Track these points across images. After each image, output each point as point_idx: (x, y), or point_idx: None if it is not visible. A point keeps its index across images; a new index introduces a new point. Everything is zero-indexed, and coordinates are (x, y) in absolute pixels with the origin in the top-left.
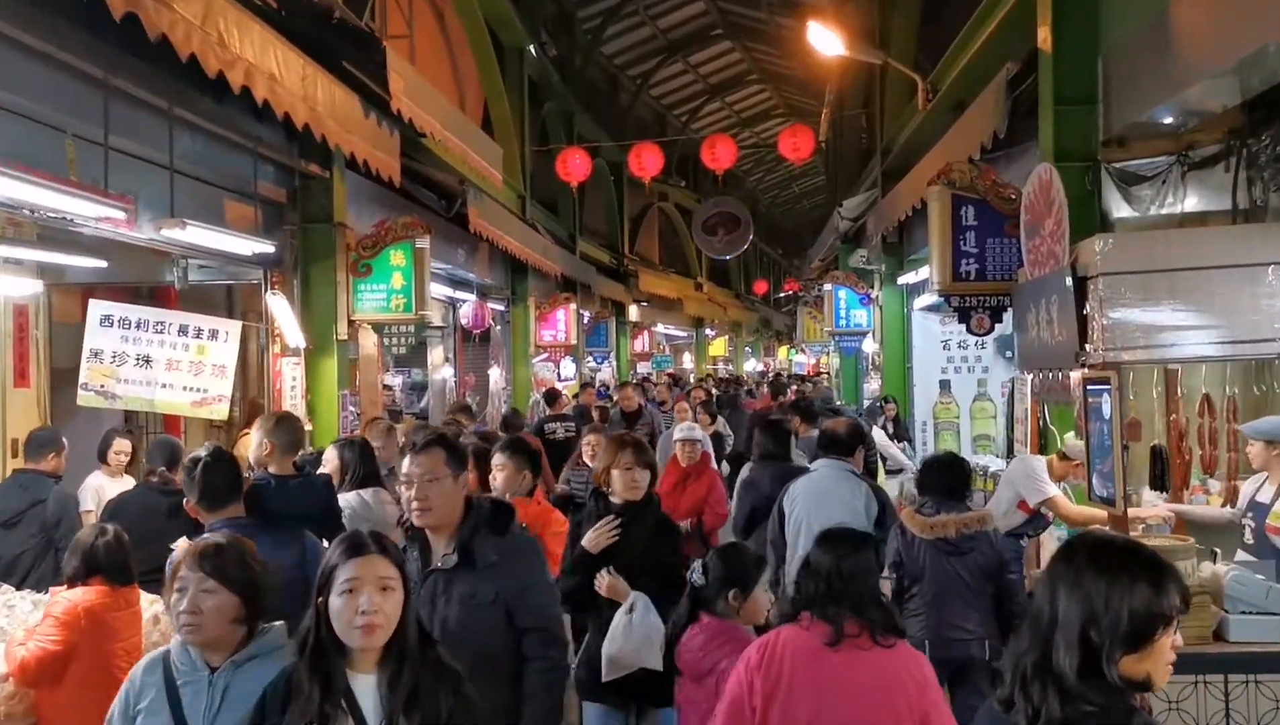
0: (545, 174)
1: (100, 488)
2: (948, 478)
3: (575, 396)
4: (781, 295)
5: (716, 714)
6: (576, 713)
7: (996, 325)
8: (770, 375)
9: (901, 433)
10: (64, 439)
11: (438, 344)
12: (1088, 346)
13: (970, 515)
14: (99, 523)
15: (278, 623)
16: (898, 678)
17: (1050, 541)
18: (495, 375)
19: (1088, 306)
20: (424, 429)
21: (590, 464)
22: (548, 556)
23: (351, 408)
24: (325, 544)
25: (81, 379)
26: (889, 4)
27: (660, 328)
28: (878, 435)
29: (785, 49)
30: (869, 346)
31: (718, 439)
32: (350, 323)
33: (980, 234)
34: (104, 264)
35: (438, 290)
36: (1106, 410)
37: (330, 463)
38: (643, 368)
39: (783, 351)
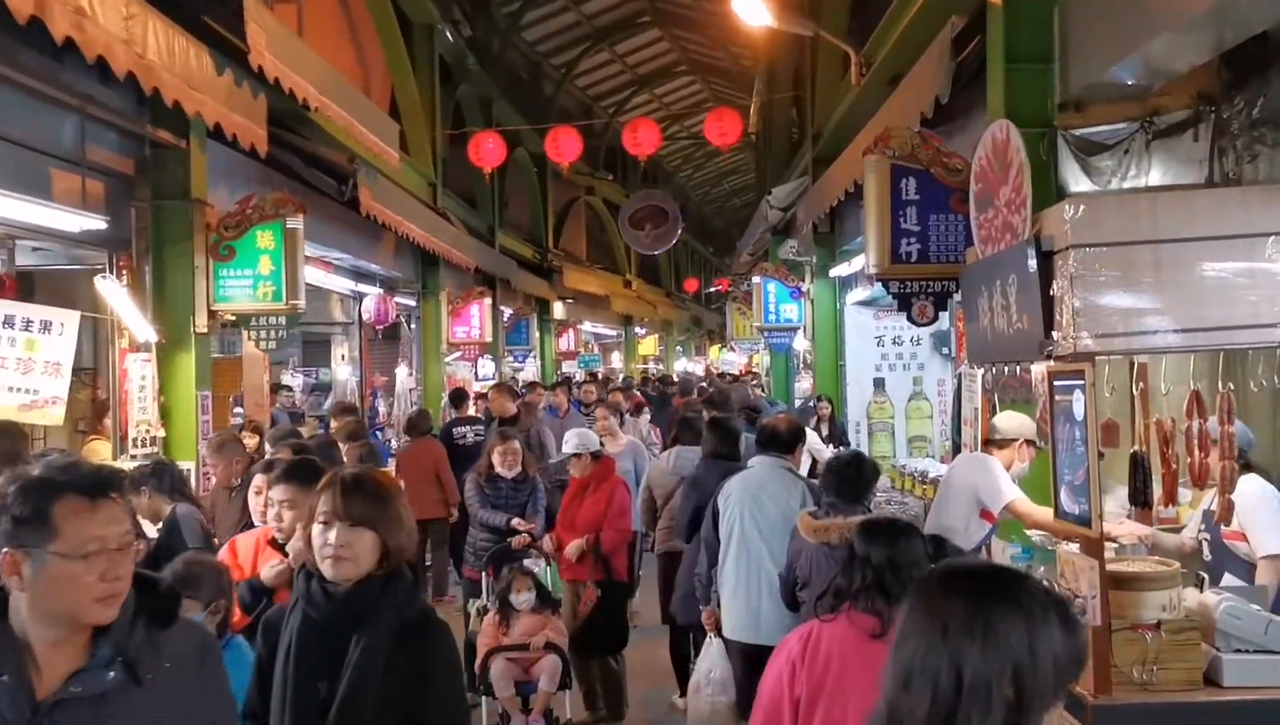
0: (463, 165)
1: None
2: (845, 478)
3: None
4: (712, 290)
5: (757, 704)
6: None
7: (941, 313)
8: (699, 376)
9: (836, 434)
10: None
11: (342, 342)
12: (1055, 334)
13: (857, 520)
14: None
15: None
16: None
17: (1001, 556)
18: (402, 375)
19: (1054, 286)
20: (287, 438)
21: (504, 472)
22: None
23: (238, 412)
24: None
25: None
26: None
27: (587, 326)
28: (809, 437)
29: (714, 37)
30: (800, 343)
31: None
32: (211, 314)
33: (923, 210)
34: None
35: (339, 283)
36: (1079, 410)
37: None
38: (568, 367)
39: (714, 351)
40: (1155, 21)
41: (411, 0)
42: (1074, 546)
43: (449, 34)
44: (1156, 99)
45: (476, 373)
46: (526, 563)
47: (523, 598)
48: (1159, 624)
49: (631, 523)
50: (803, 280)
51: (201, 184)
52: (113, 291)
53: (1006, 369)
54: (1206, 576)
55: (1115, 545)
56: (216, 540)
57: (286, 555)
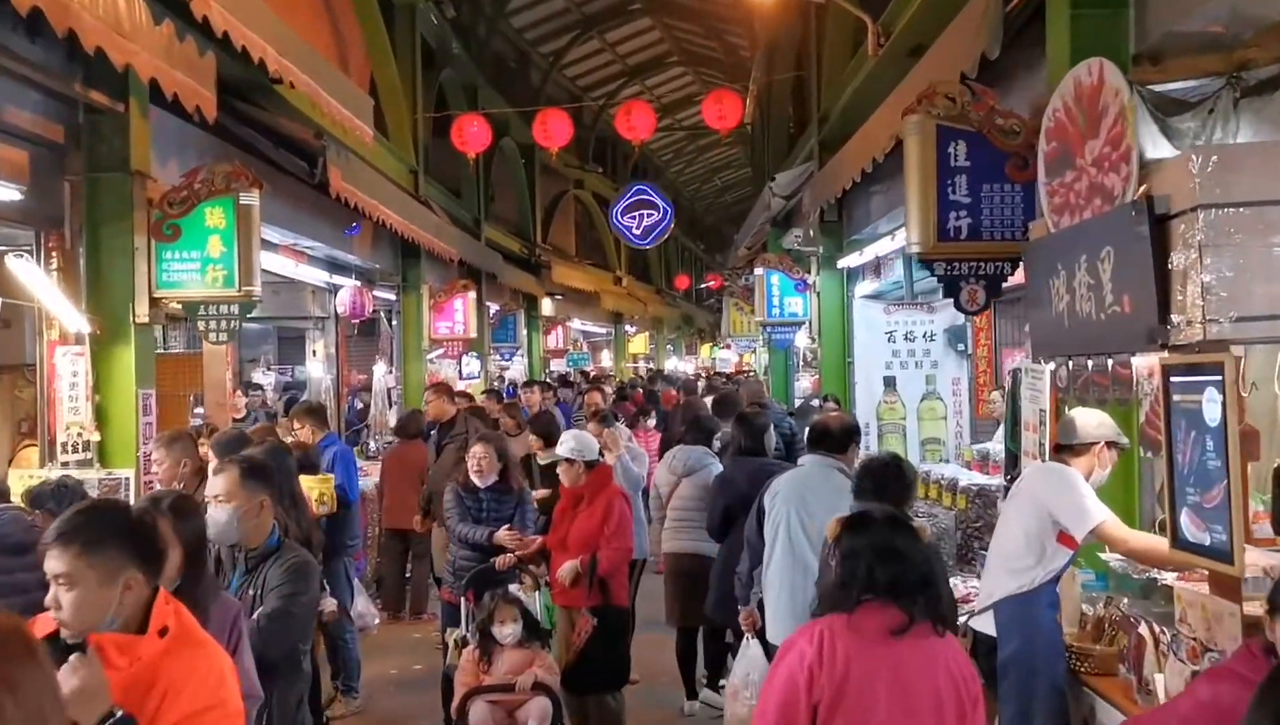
0: (447, 155)
1: None
2: (884, 481)
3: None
4: (704, 286)
5: (764, 710)
6: None
7: (994, 300)
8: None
9: None
10: None
11: (317, 338)
12: (1174, 318)
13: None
14: None
15: None
16: (958, 667)
17: (1071, 585)
18: (380, 372)
19: (1174, 259)
20: (236, 441)
21: (477, 481)
22: None
23: (199, 412)
24: None
25: None
26: None
27: (576, 323)
28: None
29: (708, 26)
30: (801, 340)
31: None
32: (154, 302)
33: (974, 179)
34: None
35: (312, 274)
36: (1212, 413)
37: None
38: (557, 365)
39: (705, 349)
40: None
41: None
42: (1196, 585)
43: (432, 15)
44: (1245, 51)
45: (461, 371)
46: (513, 589)
47: (507, 630)
48: None
49: (633, 540)
50: (808, 272)
51: (143, 154)
52: (30, 274)
53: (1091, 363)
54: None
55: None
56: None
57: None
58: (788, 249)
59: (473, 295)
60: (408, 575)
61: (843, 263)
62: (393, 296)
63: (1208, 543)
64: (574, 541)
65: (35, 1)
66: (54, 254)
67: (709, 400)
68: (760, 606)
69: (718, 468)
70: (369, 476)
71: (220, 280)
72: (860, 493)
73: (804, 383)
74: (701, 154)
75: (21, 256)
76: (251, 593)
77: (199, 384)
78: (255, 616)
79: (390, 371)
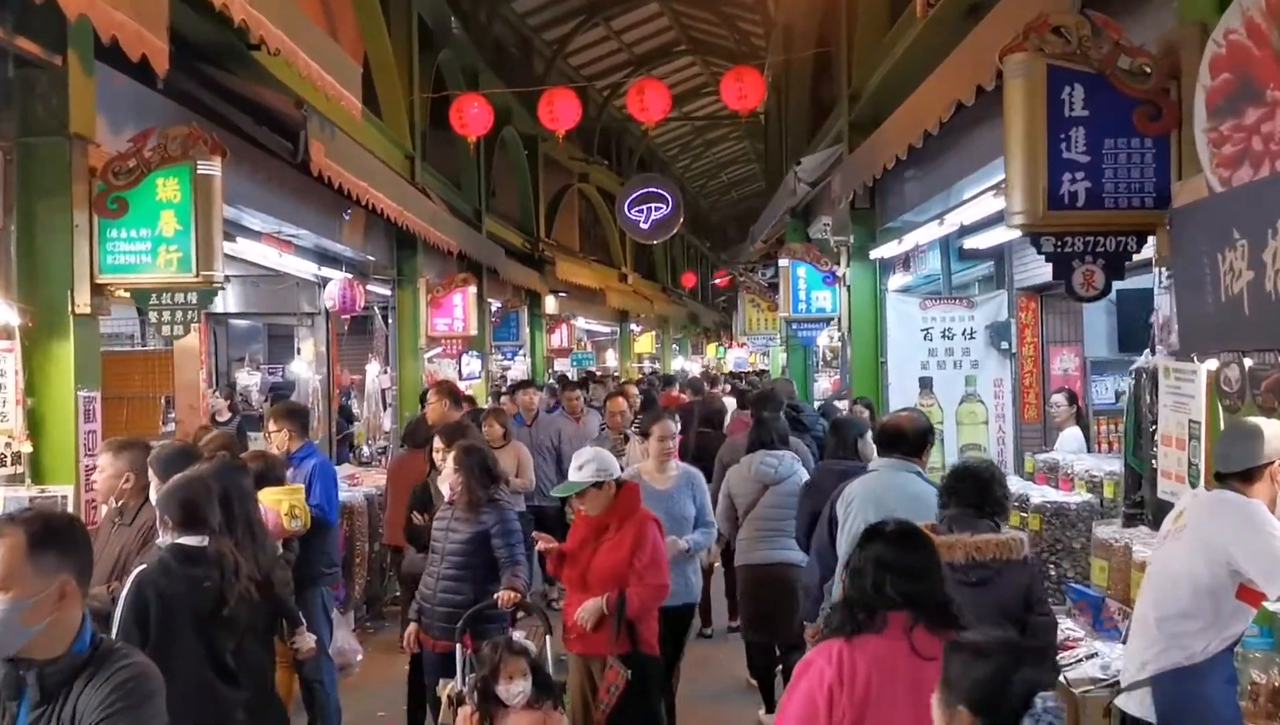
0: (446, 144)
1: None
2: (973, 488)
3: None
4: (716, 281)
5: None
6: None
7: (1114, 282)
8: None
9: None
10: None
11: (307, 335)
12: None
13: (987, 539)
14: None
15: None
16: None
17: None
18: (372, 372)
19: None
20: (179, 456)
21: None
22: None
23: (171, 417)
24: None
25: None
26: None
27: (580, 322)
28: None
29: (718, 10)
30: (820, 338)
31: None
32: (98, 288)
33: (1094, 132)
34: None
35: (300, 266)
36: None
37: None
38: (560, 365)
39: (711, 348)
40: None
41: None
42: None
43: None
44: None
45: (461, 371)
46: (516, 636)
47: (516, 689)
48: None
49: (668, 575)
50: (837, 264)
51: (86, 116)
52: None
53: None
54: None
55: None
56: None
57: None
58: (815, 239)
59: (473, 290)
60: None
61: (875, 253)
62: (388, 292)
63: None
64: (597, 577)
65: None
66: None
67: (732, 401)
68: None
69: (804, 475)
70: (360, 485)
71: (175, 263)
72: (953, 501)
73: (822, 383)
74: (709, 148)
75: None
76: None
77: (169, 385)
78: None
79: (385, 371)
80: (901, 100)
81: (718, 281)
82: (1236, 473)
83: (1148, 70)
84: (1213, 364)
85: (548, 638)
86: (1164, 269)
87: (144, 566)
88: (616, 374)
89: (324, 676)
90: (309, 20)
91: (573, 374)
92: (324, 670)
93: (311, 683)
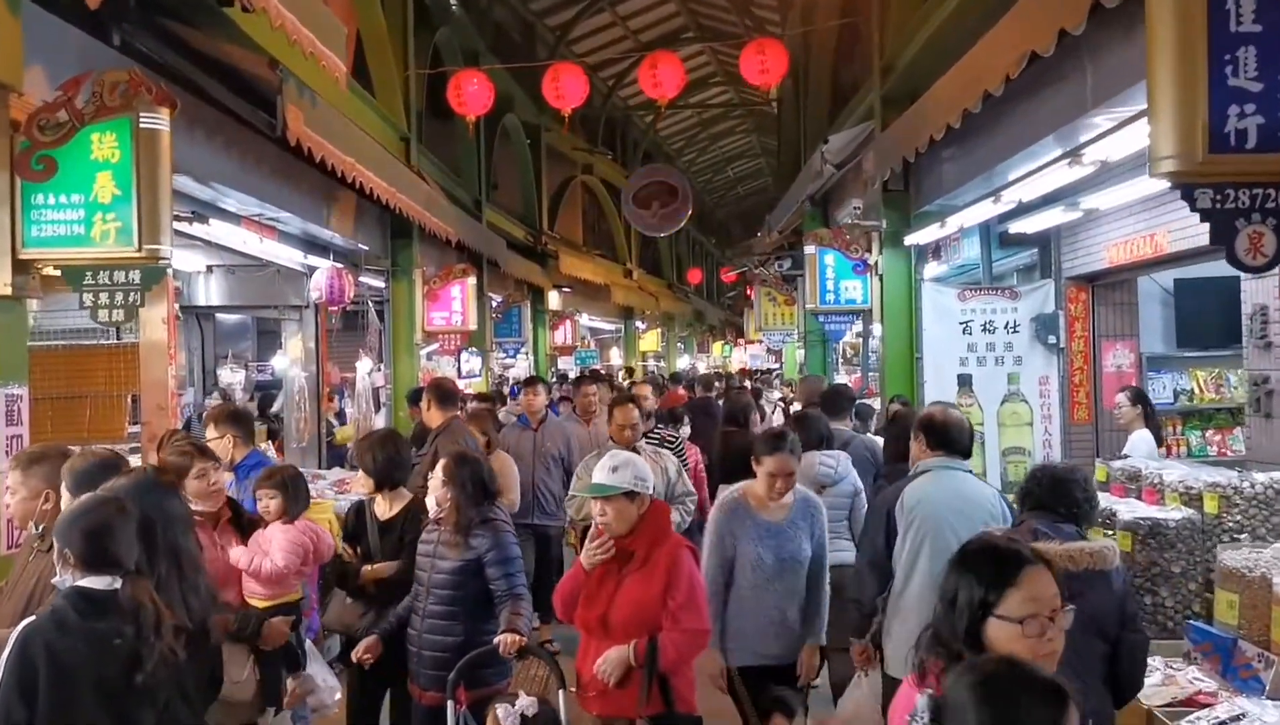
0: (444, 130)
1: None
2: (1059, 493)
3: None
4: (731, 275)
5: None
6: None
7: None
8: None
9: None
10: None
11: (296, 330)
12: None
13: (1080, 547)
14: None
15: None
16: None
17: None
18: (363, 370)
19: None
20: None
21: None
22: None
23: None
24: None
25: None
26: None
27: (584, 319)
28: None
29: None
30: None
31: None
32: (21, 265)
33: (1267, 53)
34: None
35: (284, 253)
36: None
37: None
38: (564, 363)
39: (717, 347)
40: None
41: None
42: None
43: None
44: None
45: (460, 368)
46: (523, 705)
47: None
48: None
49: (708, 617)
50: (868, 251)
51: (9, 61)
52: None
53: None
54: None
55: None
56: None
57: None
58: (845, 223)
59: (472, 281)
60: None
61: (910, 239)
62: (381, 283)
63: None
64: (622, 619)
65: None
66: None
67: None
68: (874, 637)
69: (856, 476)
70: (349, 492)
71: (113, 235)
72: (1028, 503)
73: (843, 381)
74: (714, 142)
75: None
76: None
77: (134, 383)
78: None
79: (378, 368)
80: (943, 69)
81: (729, 277)
82: None
83: None
84: None
85: (560, 693)
86: None
87: (32, 619)
88: (621, 372)
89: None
90: None
91: (574, 373)
92: (296, 716)
93: None
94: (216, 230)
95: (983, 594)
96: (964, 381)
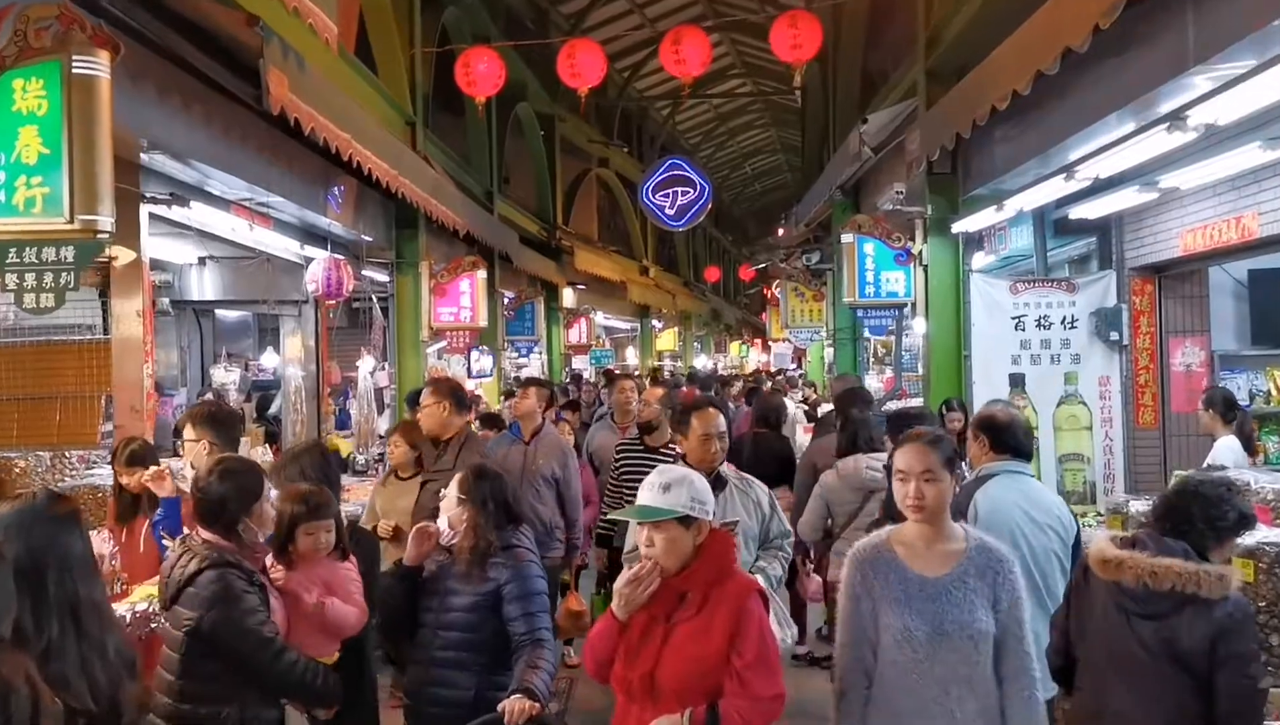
0: (453, 119)
1: None
2: (1162, 504)
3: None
4: (757, 269)
5: None
6: None
7: None
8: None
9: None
10: None
11: (295, 327)
12: None
13: (1167, 564)
14: None
15: None
16: None
17: None
18: (365, 369)
19: None
20: None
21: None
22: None
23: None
24: None
25: None
26: None
27: (599, 317)
28: None
29: None
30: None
31: None
32: None
33: None
34: None
35: (279, 242)
36: None
37: None
38: (579, 363)
39: (735, 347)
40: None
41: None
42: None
43: None
44: None
45: (470, 368)
46: None
47: None
48: None
49: (782, 679)
50: (911, 239)
51: None
52: None
53: None
54: None
55: None
56: None
57: None
58: (886, 209)
59: (483, 274)
60: None
61: (958, 227)
62: (385, 277)
63: None
64: (672, 679)
65: None
66: None
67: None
68: None
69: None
70: (349, 501)
71: (39, 203)
72: (1155, 518)
73: (872, 383)
74: (732, 137)
75: None
76: None
77: (106, 383)
78: None
79: (381, 367)
80: (998, 39)
81: (743, 275)
82: None
83: None
84: None
85: None
86: None
87: None
88: (642, 373)
89: None
90: None
91: (589, 374)
92: None
93: None
94: (200, 214)
95: None
96: (1016, 381)
